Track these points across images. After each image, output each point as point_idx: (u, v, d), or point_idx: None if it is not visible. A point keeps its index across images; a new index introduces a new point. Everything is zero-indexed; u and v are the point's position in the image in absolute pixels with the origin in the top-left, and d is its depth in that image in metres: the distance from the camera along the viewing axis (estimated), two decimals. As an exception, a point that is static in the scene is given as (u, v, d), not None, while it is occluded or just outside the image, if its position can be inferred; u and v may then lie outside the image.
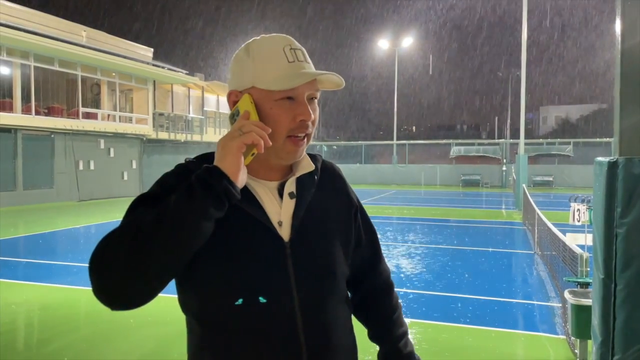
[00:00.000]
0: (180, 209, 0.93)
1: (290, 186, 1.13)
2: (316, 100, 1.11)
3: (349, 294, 1.28)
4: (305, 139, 1.09)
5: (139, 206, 1.01)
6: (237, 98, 1.08)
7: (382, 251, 1.38)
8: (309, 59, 1.10)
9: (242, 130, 0.98)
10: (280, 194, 1.12)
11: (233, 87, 1.10)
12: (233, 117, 1.07)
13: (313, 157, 1.19)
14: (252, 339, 1.04)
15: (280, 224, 1.09)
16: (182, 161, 1.12)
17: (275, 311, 1.05)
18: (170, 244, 0.92)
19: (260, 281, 1.05)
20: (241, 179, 0.99)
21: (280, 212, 1.10)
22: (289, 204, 1.11)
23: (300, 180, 1.14)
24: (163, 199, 0.97)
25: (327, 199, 1.19)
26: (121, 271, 0.91)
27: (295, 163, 1.14)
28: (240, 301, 1.03)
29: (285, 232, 1.09)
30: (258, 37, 1.11)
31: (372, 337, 1.33)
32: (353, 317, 1.28)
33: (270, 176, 1.12)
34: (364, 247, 1.29)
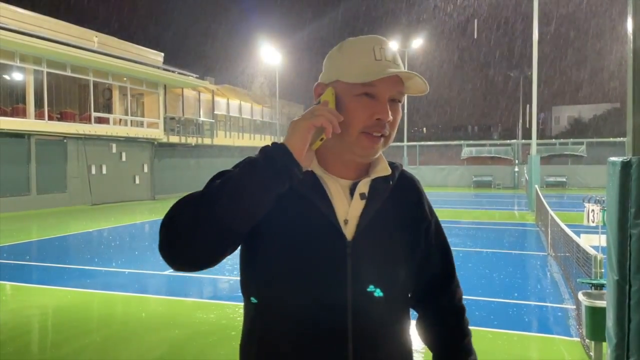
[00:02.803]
0: (241, 178, 0.97)
1: (363, 187, 1.13)
2: (399, 104, 1.12)
3: (418, 312, 1.29)
4: (382, 140, 1.10)
5: (217, 178, 1.06)
6: (323, 90, 1.11)
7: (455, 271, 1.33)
8: (399, 62, 1.11)
9: (313, 114, 1.01)
10: (352, 193, 1.12)
11: (321, 80, 1.14)
12: None
13: (392, 164, 1.19)
14: (298, 331, 1.05)
15: (346, 222, 1.09)
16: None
17: (327, 307, 1.05)
18: (228, 209, 0.96)
19: (316, 275, 1.05)
20: (306, 160, 1.02)
21: (348, 211, 1.10)
22: (359, 204, 1.11)
23: (374, 183, 1.14)
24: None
25: (398, 207, 1.17)
26: (184, 229, 0.96)
27: (371, 165, 1.15)
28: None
29: (349, 231, 1.09)
30: (352, 38, 1.15)
31: (436, 357, 1.29)
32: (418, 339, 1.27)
33: (344, 173, 1.13)
34: (435, 264, 1.26)
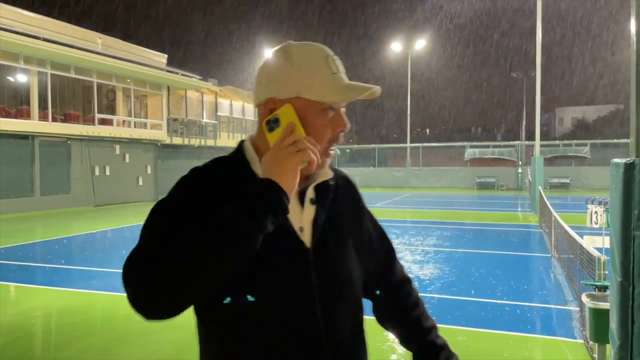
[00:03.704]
0: (240, 225, 0.92)
1: (311, 192, 1.14)
2: (344, 110, 1.13)
3: (372, 299, 1.31)
4: (334, 149, 1.13)
5: (170, 214, 1.00)
6: (276, 106, 1.07)
7: (396, 253, 1.39)
8: (343, 69, 1.13)
9: (297, 147, 0.98)
10: (301, 200, 1.12)
11: (272, 94, 1.08)
12: (269, 125, 1.06)
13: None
14: (272, 341, 1.04)
15: (301, 229, 1.10)
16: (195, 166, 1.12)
17: (298, 316, 1.05)
18: (229, 257, 0.93)
19: (282, 285, 1.05)
20: (293, 193, 1.01)
21: (301, 218, 1.11)
22: (310, 210, 1.12)
23: (319, 187, 1.15)
24: (199, 208, 0.99)
25: (343, 207, 1.21)
26: (177, 284, 0.90)
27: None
28: (228, 300, 1.02)
29: (306, 238, 1.09)
30: (293, 44, 1.11)
31: (404, 339, 1.31)
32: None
33: None
34: (379, 250, 1.31)
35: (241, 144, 1.16)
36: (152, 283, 0.90)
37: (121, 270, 0.94)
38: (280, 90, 1.07)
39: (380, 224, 1.34)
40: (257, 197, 0.94)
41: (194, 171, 1.10)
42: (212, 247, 0.91)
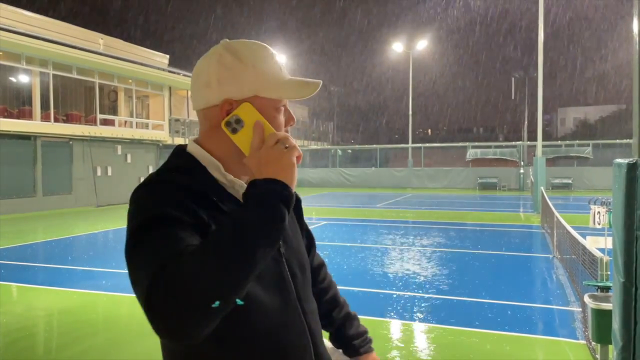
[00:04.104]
0: (266, 228, 0.91)
1: None
2: None
3: None
4: None
5: (167, 229, 0.92)
6: (232, 107, 1.05)
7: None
8: None
9: (284, 144, 0.98)
10: None
11: (228, 95, 1.06)
12: (230, 125, 1.04)
13: None
14: (265, 330, 1.06)
15: None
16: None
17: (283, 305, 1.09)
18: (260, 265, 0.90)
19: (266, 285, 1.07)
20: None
21: None
22: None
23: None
24: (187, 218, 0.94)
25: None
26: (209, 304, 0.83)
27: None
28: (240, 303, 1.00)
29: None
30: (235, 42, 1.10)
31: (322, 313, 1.39)
32: None
33: (243, 177, 1.13)
34: (306, 238, 1.38)
35: (182, 149, 1.13)
36: (195, 302, 0.82)
37: (145, 305, 0.84)
38: (236, 91, 1.06)
39: None
40: (274, 195, 0.93)
41: (154, 183, 1.03)
42: (248, 254, 0.87)
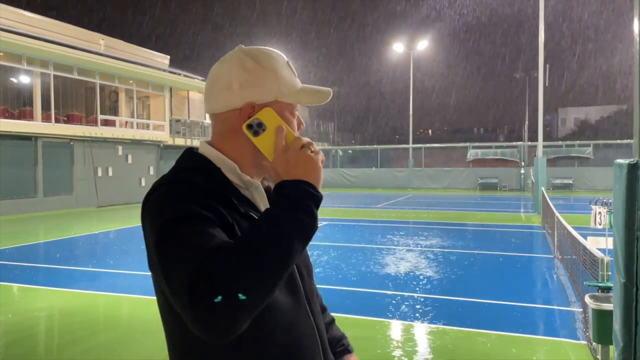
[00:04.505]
0: (301, 224, 0.95)
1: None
2: None
3: None
4: None
5: (198, 227, 0.92)
6: (254, 111, 1.08)
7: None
8: None
9: (308, 148, 1.03)
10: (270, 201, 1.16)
11: (250, 98, 1.08)
12: (251, 128, 1.06)
13: None
14: (279, 330, 1.08)
15: None
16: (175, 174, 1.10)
17: (294, 305, 1.11)
18: (294, 260, 0.94)
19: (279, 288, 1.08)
20: None
21: None
22: None
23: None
24: (213, 216, 0.96)
25: None
26: (251, 300, 0.85)
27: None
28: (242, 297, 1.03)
29: None
30: (253, 48, 1.13)
31: None
32: None
33: (257, 177, 1.17)
34: None
35: (194, 152, 1.14)
36: (239, 299, 0.83)
37: (188, 301, 0.83)
38: (259, 95, 1.09)
39: None
40: (310, 200, 0.98)
41: (175, 182, 1.04)
42: (286, 250, 0.91)
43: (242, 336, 0.98)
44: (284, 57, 1.15)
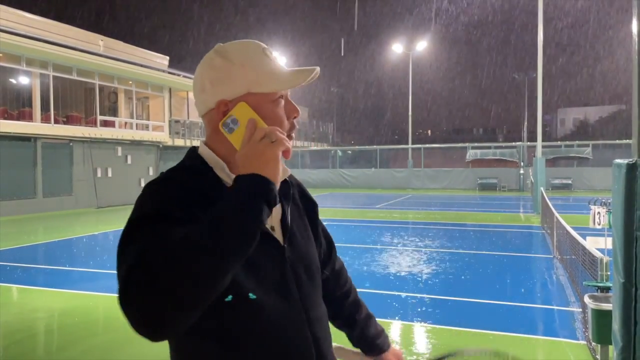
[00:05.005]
0: (240, 222, 0.90)
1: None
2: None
3: None
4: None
5: (156, 226, 0.93)
6: (228, 107, 1.07)
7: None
8: None
9: (270, 138, 0.97)
10: None
11: (221, 96, 1.07)
12: (227, 126, 1.05)
13: None
14: (265, 338, 1.06)
15: (272, 228, 1.13)
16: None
17: (287, 309, 1.09)
18: (234, 259, 0.89)
19: (269, 283, 1.07)
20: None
21: (271, 217, 1.12)
22: (277, 209, 1.15)
23: (281, 186, 1.15)
24: (184, 215, 0.95)
25: (300, 202, 1.27)
26: (181, 297, 0.83)
27: None
28: (230, 298, 1.02)
29: (278, 236, 1.13)
30: (225, 44, 1.12)
31: (341, 323, 1.43)
32: None
33: None
34: (325, 242, 1.39)
35: (194, 150, 1.15)
36: (168, 295, 0.82)
37: (119, 298, 0.83)
38: (228, 91, 1.08)
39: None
40: (247, 191, 0.93)
41: (159, 181, 1.07)
42: (221, 247, 0.87)
43: (224, 337, 1.03)
44: (261, 45, 1.11)
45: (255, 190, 0.93)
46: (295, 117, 1.13)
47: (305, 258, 1.18)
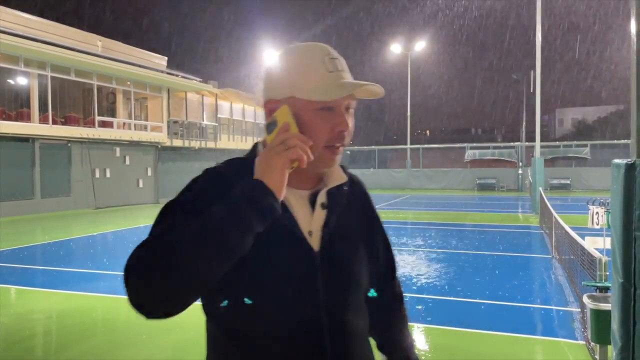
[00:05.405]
0: (224, 224, 0.91)
1: (323, 196, 1.13)
2: (352, 110, 1.11)
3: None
4: (341, 148, 1.10)
5: (173, 213, 1.00)
6: (274, 107, 1.07)
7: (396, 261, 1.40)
8: (347, 68, 1.10)
9: (286, 145, 0.97)
10: (312, 204, 1.12)
11: (270, 96, 1.10)
12: (269, 127, 1.05)
13: (342, 168, 1.19)
14: (278, 345, 1.06)
15: (310, 233, 1.10)
16: (201, 167, 1.13)
17: (302, 320, 1.06)
18: (212, 257, 0.90)
19: (285, 288, 1.05)
20: (283, 193, 0.98)
21: (310, 222, 1.10)
22: (320, 215, 1.12)
23: (332, 191, 1.14)
24: (199, 207, 0.96)
25: (355, 213, 1.21)
26: (160, 283, 0.89)
27: (326, 173, 1.14)
28: (225, 303, 1.05)
29: (315, 243, 1.09)
30: (295, 45, 1.12)
31: (382, 346, 1.37)
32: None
33: (302, 185, 1.12)
34: (381, 259, 1.31)
35: (256, 145, 1.16)
36: (150, 275, 0.89)
37: (123, 277, 0.92)
38: (276, 91, 1.09)
39: (386, 233, 1.34)
40: (240, 195, 0.94)
41: (206, 170, 1.12)
42: (193, 244, 0.90)
43: (232, 330, 1.08)
44: (326, 50, 1.09)
45: (248, 195, 0.94)
46: (341, 131, 1.07)
47: (344, 272, 1.13)
